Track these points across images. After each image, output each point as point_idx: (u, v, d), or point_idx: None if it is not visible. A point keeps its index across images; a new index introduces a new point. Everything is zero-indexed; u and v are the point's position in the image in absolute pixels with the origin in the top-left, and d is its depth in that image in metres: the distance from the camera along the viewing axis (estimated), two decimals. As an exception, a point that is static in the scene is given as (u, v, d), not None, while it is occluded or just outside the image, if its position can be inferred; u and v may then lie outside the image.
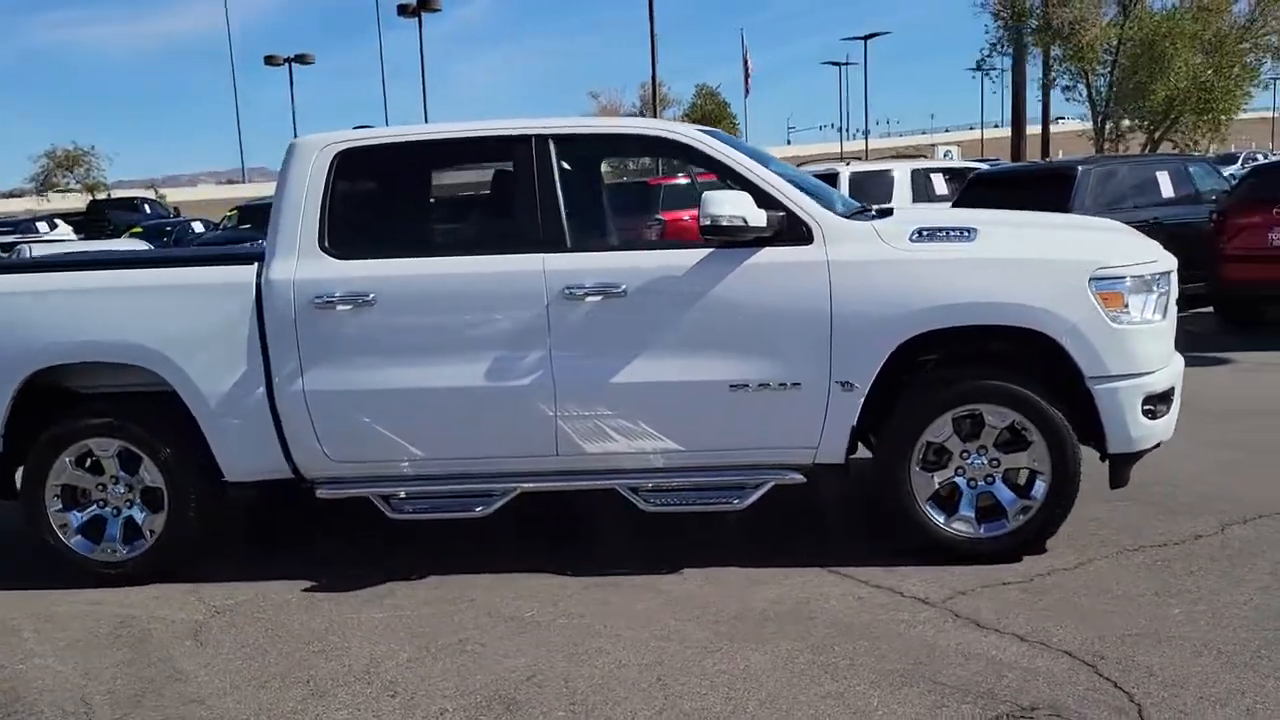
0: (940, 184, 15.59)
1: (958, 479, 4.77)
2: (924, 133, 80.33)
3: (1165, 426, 4.78)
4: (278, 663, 4.12)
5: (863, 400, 4.69)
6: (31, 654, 4.34)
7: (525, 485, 4.95)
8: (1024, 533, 4.73)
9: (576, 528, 5.69)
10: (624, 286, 4.71)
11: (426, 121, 39.16)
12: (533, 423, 4.83)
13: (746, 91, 52.73)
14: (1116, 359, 4.60)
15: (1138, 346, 4.64)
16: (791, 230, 4.69)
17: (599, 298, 4.72)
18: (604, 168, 5.29)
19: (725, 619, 4.29)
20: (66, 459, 5.08)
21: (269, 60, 48.57)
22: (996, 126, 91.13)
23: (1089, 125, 23.29)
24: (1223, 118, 21.90)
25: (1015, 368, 4.75)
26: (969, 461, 4.76)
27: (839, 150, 56.70)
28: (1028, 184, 11.28)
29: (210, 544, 5.24)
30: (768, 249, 4.68)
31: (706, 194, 4.61)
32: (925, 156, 35.13)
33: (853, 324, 4.63)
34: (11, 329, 4.98)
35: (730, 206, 4.55)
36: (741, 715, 3.49)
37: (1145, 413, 4.67)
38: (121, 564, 5.11)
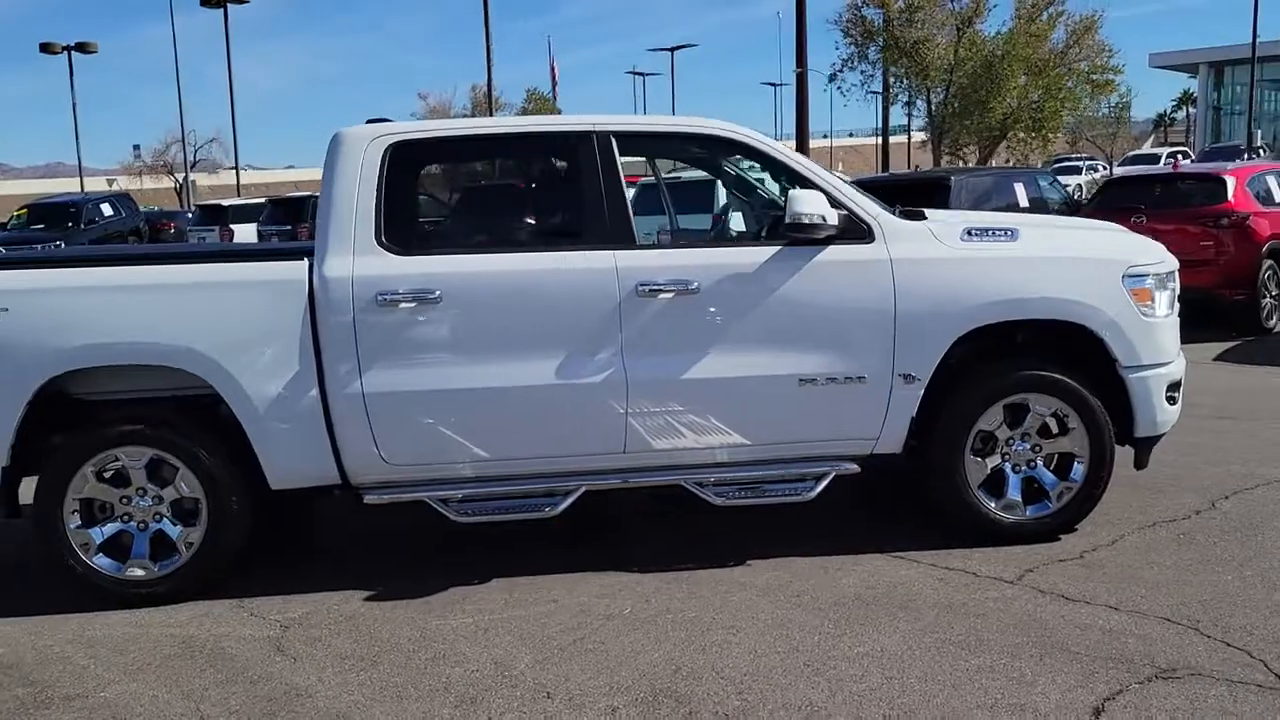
0: None
1: (1004, 464, 5.06)
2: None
3: (1178, 412, 5.23)
4: (398, 673, 3.95)
5: (922, 392, 4.91)
6: (107, 681, 3.99)
7: (590, 484, 4.91)
8: (1065, 513, 5.07)
9: (603, 524, 5.67)
10: (697, 283, 4.76)
11: (233, 115, 37.33)
12: (603, 420, 4.80)
13: (554, 99, 52.94)
14: (1146, 349, 5.00)
15: (1161, 338, 5.07)
16: (854, 229, 4.86)
17: (671, 295, 4.75)
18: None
19: (826, 605, 4.41)
20: (89, 470, 4.68)
21: (45, 48, 45.00)
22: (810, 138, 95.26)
23: (924, 136, 24.96)
24: (1049, 135, 24.03)
25: (1054, 359, 5.08)
26: (1013, 448, 5.06)
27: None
28: (911, 190, 11.89)
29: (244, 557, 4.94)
30: (833, 247, 4.83)
31: (793, 193, 4.73)
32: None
33: (914, 319, 4.84)
34: (31, 329, 4.55)
35: (813, 205, 4.68)
36: (911, 693, 3.62)
37: (1168, 399, 5.10)
38: (154, 582, 4.74)
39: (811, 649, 4.00)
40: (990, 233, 5.06)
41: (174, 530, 4.77)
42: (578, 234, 4.87)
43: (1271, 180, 12.04)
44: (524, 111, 38.12)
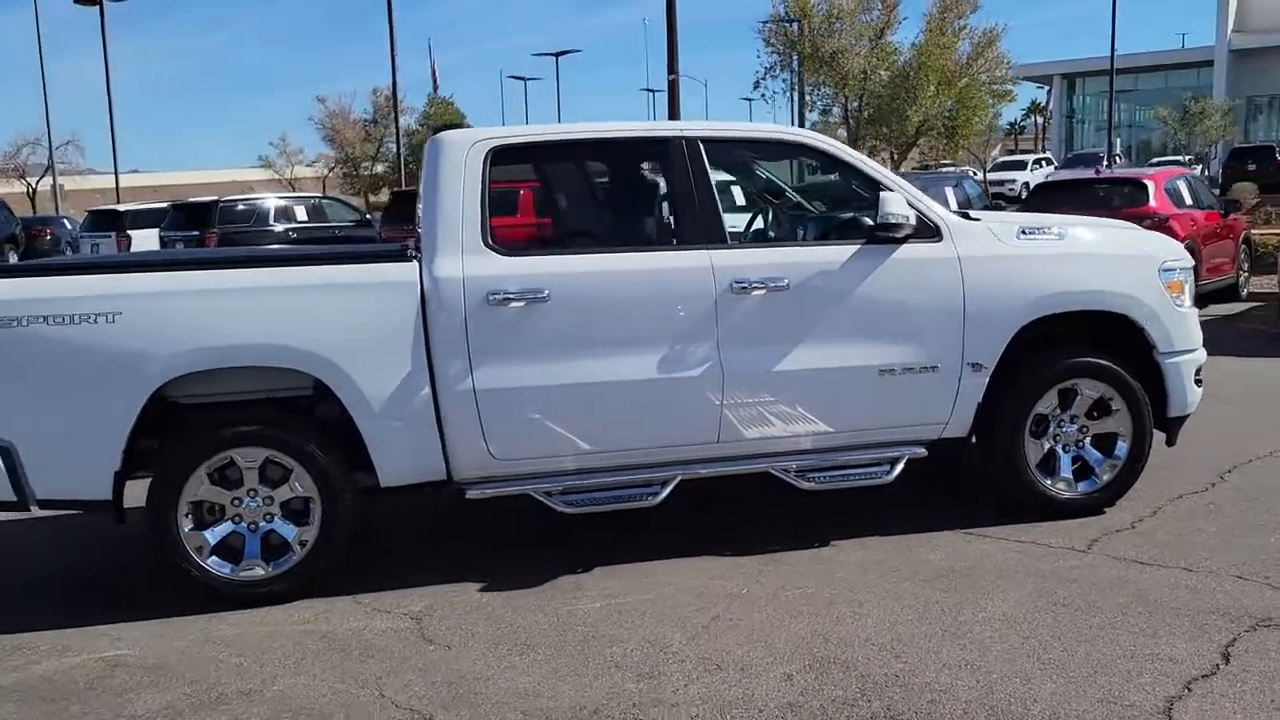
0: None
1: (1055, 445, 5.49)
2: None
3: (1201, 393, 5.75)
4: (558, 654, 4.12)
5: (988, 379, 5.30)
6: (271, 676, 4.05)
7: (685, 473, 5.14)
8: (1111, 488, 5.53)
9: (672, 510, 5.88)
10: (787, 280, 5.05)
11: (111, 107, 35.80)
12: (699, 411, 5.04)
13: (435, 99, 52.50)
14: (1178, 337, 5.51)
15: (1190, 326, 5.59)
16: (925, 228, 5.23)
17: (763, 291, 5.03)
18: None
19: (928, 578, 4.75)
20: (203, 473, 4.69)
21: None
22: None
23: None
24: (962, 141, 25.25)
25: (1097, 347, 5.52)
26: (1063, 429, 5.50)
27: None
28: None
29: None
30: (907, 245, 5.18)
31: (884, 195, 5.06)
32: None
33: (981, 311, 5.23)
34: (147, 333, 4.55)
35: (900, 207, 5.03)
36: (1053, 650, 3.97)
37: (1196, 382, 5.62)
38: (269, 581, 4.78)
39: (939, 616, 4.33)
40: (1041, 231, 5.49)
41: (287, 530, 4.81)
42: (673, 234, 5.10)
43: (1182, 185, 13.03)
44: (427, 115, 37.83)
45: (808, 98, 25.67)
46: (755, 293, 5.02)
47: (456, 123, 5.86)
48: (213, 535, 4.75)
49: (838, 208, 5.98)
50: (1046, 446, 5.47)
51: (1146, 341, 5.47)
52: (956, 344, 5.24)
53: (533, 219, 17.16)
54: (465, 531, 5.78)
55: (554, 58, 53.47)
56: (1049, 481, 5.46)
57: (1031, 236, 5.43)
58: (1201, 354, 5.66)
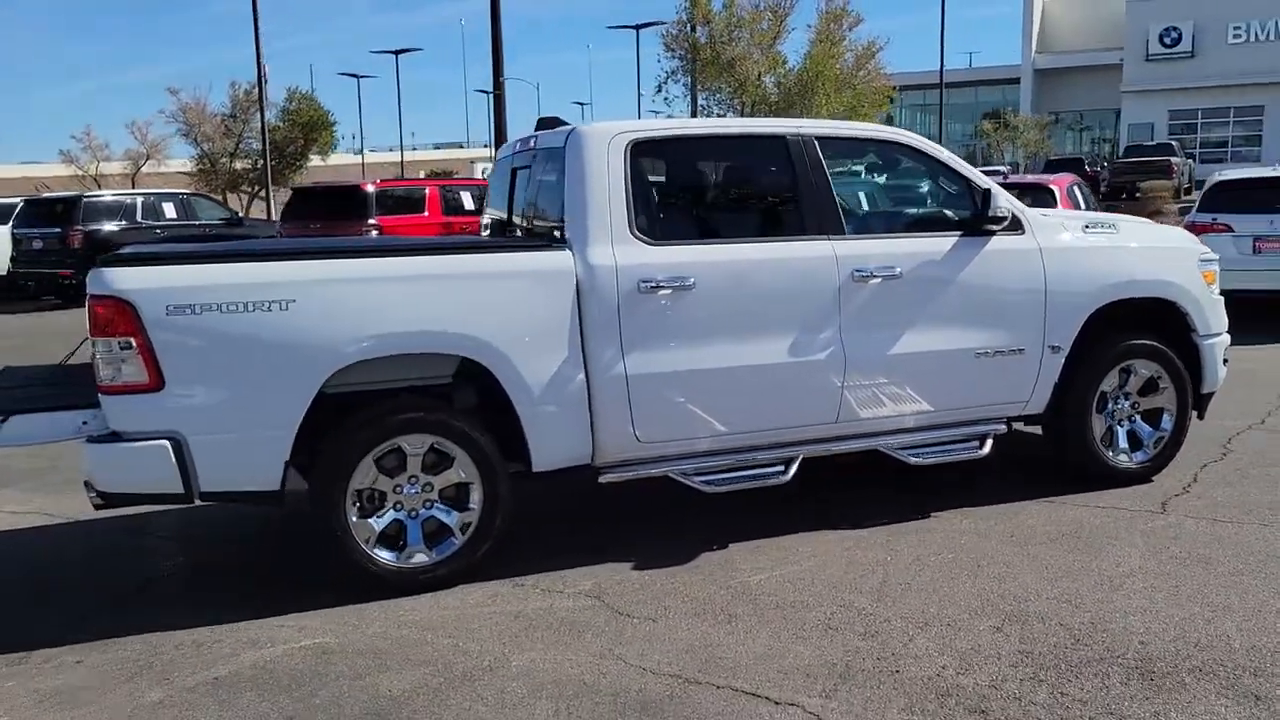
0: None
1: (1113, 421, 6.05)
2: (415, 149, 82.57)
3: (1225, 372, 6.42)
4: (768, 620, 4.33)
5: (1064, 360, 5.80)
6: (500, 654, 4.10)
7: (807, 451, 5.42)
8: (1160, 458, 6.13)
9: (750, 491, 6.15)
10: (898, 269, 5.41)
11: None
12: (822, 393, 5.35)
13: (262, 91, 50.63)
14: (1214, 321, 6.17)
15: (1221, 312, 6.26)
16: (1013, 222, 5.68)
17: (880, 280, 5.37)
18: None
19: (1046, 540, 5.18)
20: (371, 460, 4.67)
21: None
22: (485, 146, 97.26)
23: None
24: None
25: (1146, 330, 6.10)
26: (1119, 405, 6.06)
27: (361, 165, 56.37)
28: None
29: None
30: (997, 237, 5.63)
31: (994, 190, 5.48)
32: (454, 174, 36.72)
33: (1060, 298, 5.73)
34: (321, 321, 4.51)
35: (1005, 201, 5.47)
36: (1210, 595, 4.44)
37: (1224, 361, 6.29)
38: (434, 567, 4.80)
39: (1084, 572, 4.75)
40: (1102, 226, 6.04)
41: (448, 516, 4.84)
42: (799, 225, 5.38)
43: (1077, 190, 14.14)
44: (286, 110, 36.49)
45: (706, 101, 26.47)
46: (872, 281, 5.36)
47: (553, 117, 5.94)
48: (378, 523, 4.73)
49: (903, 202, 6.40)
50: (1107, 422, 6.02)
51: (1187, 325, 6.10)
52: (1039, 328, 5.72)
53: (440, 218, 17.16)
54: (567, 515, 5.88)
55: (394, 55, 52.50)
56: (1110, 453, 6.02)
57: (1094, 230, 5.98)
58: (1227, 337, 6.33)
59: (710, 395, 5.14)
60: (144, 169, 48.76)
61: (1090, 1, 58.19)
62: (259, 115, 30.52)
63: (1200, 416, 6.40)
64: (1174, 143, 43.16)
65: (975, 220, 5.54)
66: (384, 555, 4.73)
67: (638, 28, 48.15)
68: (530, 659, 4.06)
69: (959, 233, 5.60)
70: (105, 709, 3.79)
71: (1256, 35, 48.74)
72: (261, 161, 32.68)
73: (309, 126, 36.47)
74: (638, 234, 5.02)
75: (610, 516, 5.86)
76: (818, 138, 5.46)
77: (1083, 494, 5.88)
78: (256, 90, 30.47)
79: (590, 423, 4.98)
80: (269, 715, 3.70)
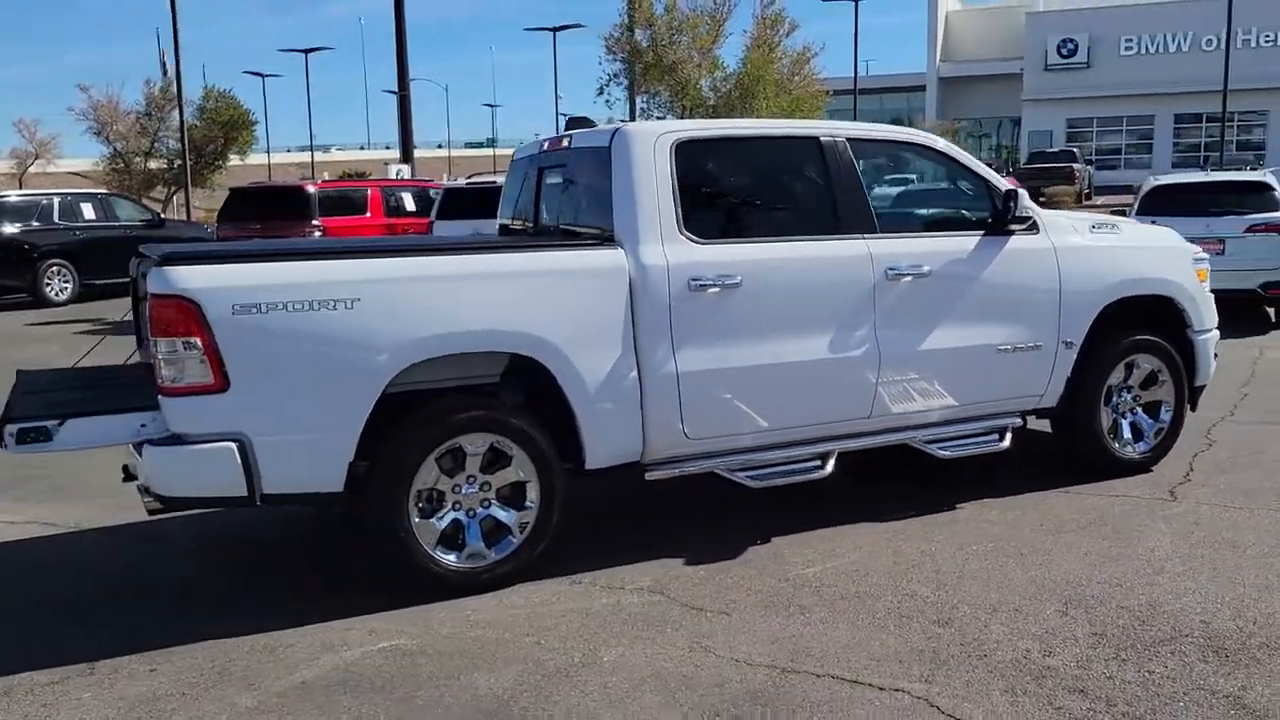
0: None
1: (1118, 413, 6.30)
2: (328, 149, 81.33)
3: (1215, 366, 6.73)
4: (837, 611, 4.42)
5: (1076, 356, 6.02)
6: (585, 650, 4.11)
7: (840, 446, 5.53)
8: (1159, 448, 6.40)
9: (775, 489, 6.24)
10: (927, 267, 5.56)
11: None
12: (859, 389, 5.47)
13: (167, 86, 49.23)
14: (1207, 317, 6.47)
15: (1212, 308, 6.56)
16: (1031, 222, 5.89)
17: (910, 278, 5.52)
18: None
19: (1075, 529, 5.38)
20: (433, 460, 4.63)
21: None
22: (388, 148, 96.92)
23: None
24: None
25: (1145, 326, 6.36)
26: (1122, 399, 6.31)
27: (266, 164, 55.10)
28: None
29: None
30: (1015, 237, 5.82)
31: (1020, 192, 5.66)
32: (367, 174, 36.20)
33: (1073, 296, 5.95)
34: (386, 320, 4.46)
35: (1027, 201, 5.66)
36: (1253, 573, 4.68)
37: (1215, 355, 6.59)
38: (493, 566, 4.77)
39: (1121, 558, 4.95)
40: (1106, 227, 6.29)
41: (506, 515, 4.82)
42: (835, 224, 5.48)
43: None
44: (204, 109, 35.38)
45: (646, 104, 26.57)
46: (904, 279, 5.50)
47: (582, 117, 5.96)
48: (439, 524, 4.69)
49: (926, 202, 6.56)
50: (1112, 415, 6.27)
51: (1184, 321, 6.39)
52: (1054, 324, 5.93)
53: (383, 219, 16.91)
54: (612, 513, 5.89)
55: (303, 54, 51.49)
56: (1117, 445, 6.26)
57: (1100, 230, 6.22)
58: (1217, 333, 6.64)
59: (755, 392, 5.21)
60: (31, 169, 47.05)
61: (992, 13, 60.09)
62: (176, 113, 29.67)
63: (1193, 409, 6.69)
64: (1075, 149, 44.75)
65: (998, 220, 5.72)
66: (446, 556, 4.69)
67: (555, 30, 48.09)
68: (619, 654, 4.08)
69: (981, 232, 5.78)
70: (198, 717, 3.69)
71: (1147, 48, 50.89)
72: (179, 161, 31.74)
73: (229, 125, 35.50)
74: (686, 233, 5.07)
75: (653, 513, 5.90)
76: (849, 139, 5.58)
77: (1093, 484, 6.10)
78: (175, 88, 29.58)
79: (641, 420, 5.01)
80: (376, 717, 3.66)
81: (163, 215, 25.65)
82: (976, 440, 5.84)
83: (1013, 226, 5.73)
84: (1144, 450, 6.35)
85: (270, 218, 15.98)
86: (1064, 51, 52.06)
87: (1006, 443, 5.88)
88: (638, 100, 26.11)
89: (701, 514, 5.81)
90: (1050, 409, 6.14)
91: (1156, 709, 3.55)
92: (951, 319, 5.67)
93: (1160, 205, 12.81)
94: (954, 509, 5.75)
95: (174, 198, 35.44)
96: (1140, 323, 6.33)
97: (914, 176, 6.01)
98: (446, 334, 4.57)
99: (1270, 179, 13.06)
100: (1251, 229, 12.04)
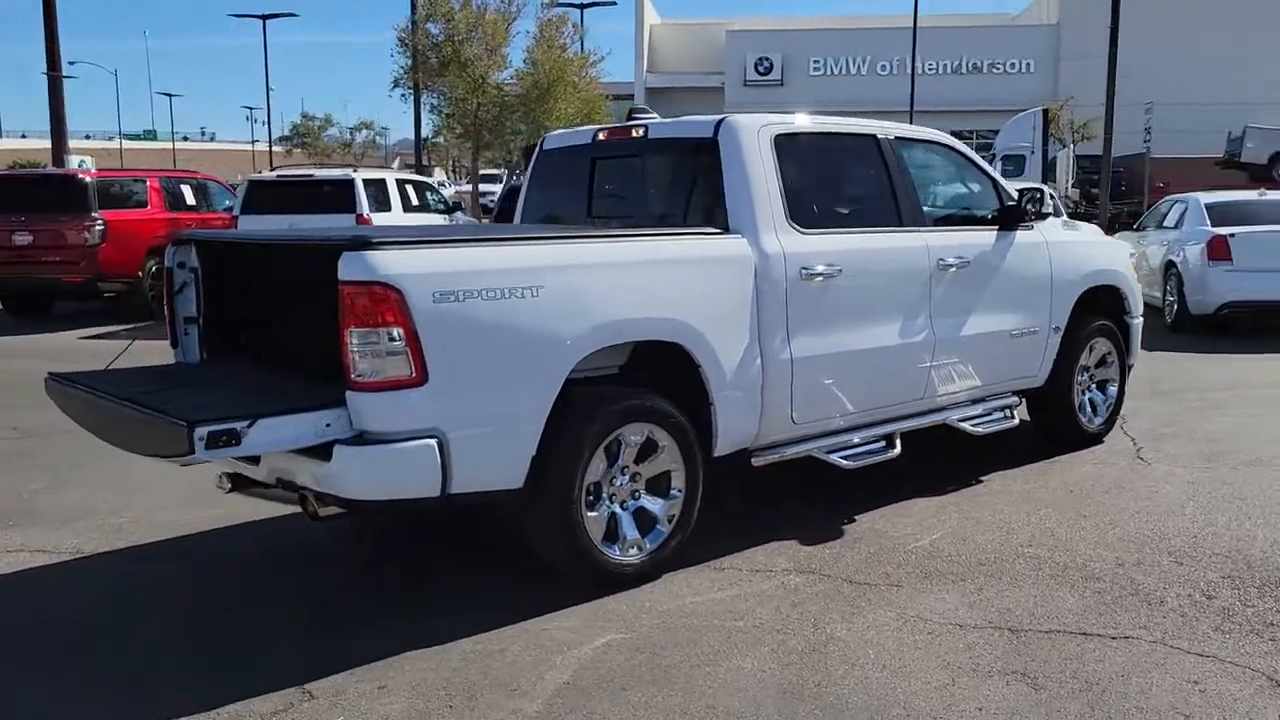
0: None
1: (1083, 391, 7.05)
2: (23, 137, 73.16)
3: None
4: (1005, 589, 4.73)
5: (1060, 340, 6.70)
6: (823, 630, 4.18)
7: (900, 427, 5.87)
8: (1108, 422, 7.23)
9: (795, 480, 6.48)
10: (967, 258, 6.02)
11: None
12: (919, 372, 5.85)
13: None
14: (1138, 305, 7.37)
15: (1140, 298, 7.47)
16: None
17: (955, 268, 5.96)
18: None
19: (1091, 492, 6.00)
20: (601, 451, 4.52)
21: None
22: (23, 136, 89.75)
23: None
24: None
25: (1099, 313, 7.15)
26: (1085, 377, 7.07)
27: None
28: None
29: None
30: (1020, 230, 6.41)
31: (1044, 189, 6.20)
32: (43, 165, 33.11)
33: (1061, 285, 6.64)
34: (566, 308, 4.33)
35: (1045, 198, 6.24)
36: (1271, 518, 5.43)
37: (1142, 341, 7.51)
38: (648, 558, 4.71)
39: (1166, 513, 5.59)
40: (1070, 225, 7.05)
41: (655, 505, 4.77)
42: (898, 217, 5.80)
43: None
44: None
45: (437, 101, 25.68)
46: (950, 269, 5.93)
47: (640, 108, 5.91)
48: (602, 516, 4.58)
49: (948, 198, 7.00)
50: (1083, 393, 7.01)
51: (1124, 308, 7.25)
52: (1048, 311, 6.58)
53: (165, 213, 15.53)
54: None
55: (260, 19, 45.43)
56: (1084, 419, 7.01)
57: (1069, 228, 6.97)
58: (1141, 319, 7.56)
59: (848, 377, 5.45)
60: None
61: (693, 28, 62.96)
62: None
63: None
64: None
65: (1013, 215, 6.28)
66: (610, 549, 4.59)
67: (264, 18, 45.56)
68: (849, 627, 4.19)
69: (996, 227, 6.31)
70: (491, 727, 3.47)
71: (831, 70, 55.22)
72: None
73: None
74: (793, 223, 5.23)
75: (740, 495, 6.02)
76: (896, 138, 5.94)
77: (1068, 455, 6.81)
78: None
79: (760, 406, 5.12)
80: (669, 707, 3.57)
81: None
82: (995, 419, 6.37)
83: (1028, 221, 6.31)
84: (1100, 424, 7.15)
85: (36, 209, 14.40)
86: (760, 69, 55.47)
87: (1015, 420, 6.45)
88: (429, 97, 25.56)
89: (763, 497, 5.96)
90: (1039, 389, 6.79)
91: (1331, 632, 4.13)
92: (980, 307, 6.16)
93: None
94: (981, 483, 6.24)
95: None
96: (1095, 310, 7.12)
97: (936, 174, 6.42)
98: (623, 321, 4.51)
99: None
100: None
